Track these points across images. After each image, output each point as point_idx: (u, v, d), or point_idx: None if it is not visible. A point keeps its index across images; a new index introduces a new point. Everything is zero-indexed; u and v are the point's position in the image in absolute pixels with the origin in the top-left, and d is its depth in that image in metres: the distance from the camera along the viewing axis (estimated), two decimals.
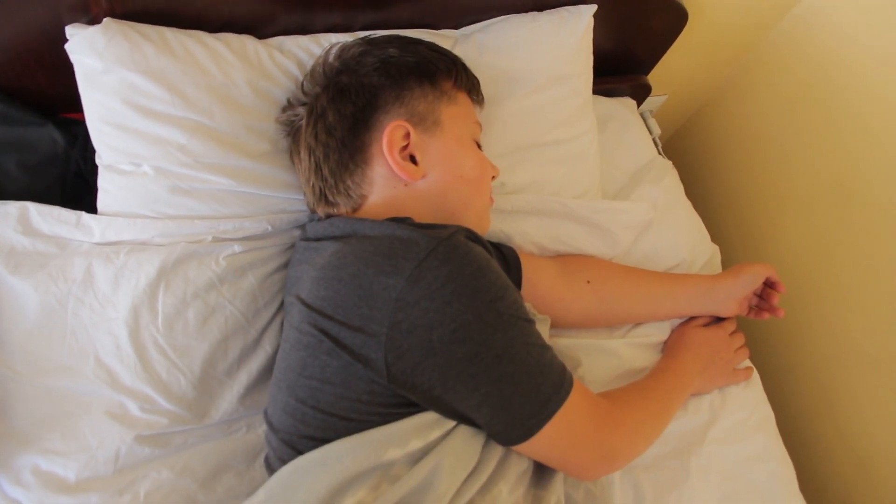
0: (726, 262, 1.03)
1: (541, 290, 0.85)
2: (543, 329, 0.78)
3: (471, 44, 0.90)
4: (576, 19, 0.92)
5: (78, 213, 0.77)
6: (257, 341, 0.79)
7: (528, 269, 0.84)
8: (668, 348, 0.91)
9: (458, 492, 0.60)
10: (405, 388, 0.58)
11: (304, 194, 0.78)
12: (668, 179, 1.05)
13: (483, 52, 0.89)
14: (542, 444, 0.62)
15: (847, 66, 1.04)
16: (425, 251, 0.57)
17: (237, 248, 0.77)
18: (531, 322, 0.63)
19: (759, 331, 1.20)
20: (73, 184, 0.85)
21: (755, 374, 0.93)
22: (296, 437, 0.62)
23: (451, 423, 0.62)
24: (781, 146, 1.20)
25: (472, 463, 0.62)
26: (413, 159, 0.71)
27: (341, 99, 0.71)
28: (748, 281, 0.93)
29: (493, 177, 0.79)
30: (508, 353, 0.59)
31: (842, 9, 1.04)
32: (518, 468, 0.66)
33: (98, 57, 0.73)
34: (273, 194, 0.81)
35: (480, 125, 0.80)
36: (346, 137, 0.71)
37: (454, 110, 0.75)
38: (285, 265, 0.81)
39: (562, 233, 0.92)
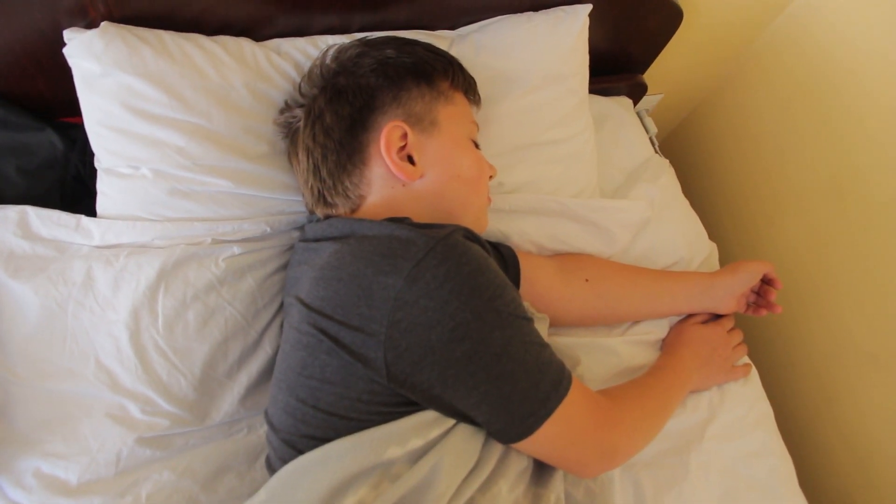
0: (724, 260, 1.03)
1: (539, 289, 0.85)
2: (542, 328, 0.78)
3: (467, 44, 0.90)
4: (571, 19, 0.92)
5: (77, 216, 0.77)
6: (257, 342, 0.79)
7: (526, 268, 0.84)
8: (667, 346, 0.92)
9: (458, 490, 0.61)
10: (405, 386, 0.58)
11: (303, 195, 0.78)
12: (665, 178, 1.05)
13: (479, 53, 0.90)
14: (542, 441, 0.62)
15: (842, 64, 1.05)
16: (423, 250, 0.57)
17: (236, 249, 0.78)
18: (529, 320, 0.63)
19: (758, 328, 1.20)
20: (72, 188, 0.85)
21: (754, 371, 0.94)
22: (296, 437, 0.62)
23: (451, 422, 0.62)
24: (777, 144, 1.20)
25: (472, 461, 0.62)
26: (411, 160, 0.71)
27: (339, 100, 0.72)
28: (746, 278, 0.93)
29: (491, 176, 0.80)
30: (507, 351, 0.59)
31: (836, 7, 1.04)
32: (518, 466, 0.66)
33: (96, 60, 0.73)
34: (272, 196, 0.81)
35: (477, 125, 0.80)
36: (344, 138, 0.71)
37: (451, 110, 0.75)
38: (284, 266, 0.81)
39: (560, 232, 0.92)
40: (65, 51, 0.75)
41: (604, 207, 0.94)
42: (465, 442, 0.62)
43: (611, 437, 0.67)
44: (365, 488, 0.58)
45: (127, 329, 0.72)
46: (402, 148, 0.71)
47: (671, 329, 0.94)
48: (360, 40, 0.78)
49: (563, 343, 0.87)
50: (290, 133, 0.78)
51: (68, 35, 0.75)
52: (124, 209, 0.78)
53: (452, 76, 0.77)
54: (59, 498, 0.69)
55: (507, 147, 0.91)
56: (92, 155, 0.80)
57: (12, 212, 0.77)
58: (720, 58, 1.26)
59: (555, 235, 0.92)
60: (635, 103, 1.20)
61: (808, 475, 0.96)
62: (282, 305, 0.80)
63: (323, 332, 0.60)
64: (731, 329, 0.95)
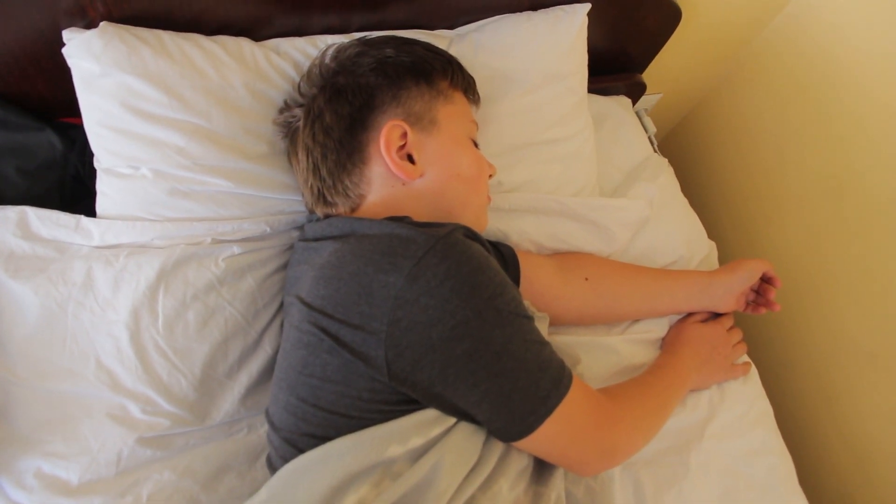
0: (723, 259, 1.03)
1: (539, 288, 0.85)
2: (542, 327, 0.78)
3: (466, 44, 0.90)
4: (570, 18, 0.92)
5: (77, 216, 0.77)
6: (257, 342, 0.79)
7: (526, 268, 0.84)
8: (667, 344, 0.92)
9: (459, 488, 0.61)
10: (405, 385, 0.59)
11: (303, 195, 0.78)
12: (665, 177, 1.05)
13: (479, 52, 0.90)
14: (543, 440, 0.62)
15: (840, 63, 1.05)
16: (424, 249, 0.58)
17: (236, 249, 0.78)
18: (530, 319, 0.63)
19: (757, 327, 1.21)
20: (72, 188, 0.85)
21: (753, 370, 0.94)
22: (297, 436, 0.63)
23: (452, 421, 0.62)
24: (776, 143, 1.20)
25: (473, 460, 0.62)
26: (410, 159, 0.71)
27: (338, 99, 0.72)
28: (745, 276, 0.93)
29: (491, 175, 0.80)
30: (507, 349, 0.59)
31: (835, 7, 1.05)
32: (518, 465, 0.66)
33: (95, 61, 0.73)
34: (271, 196, 0.81)
35: (477, 124, 0.80)
36: (344, 138, 0.71)
37: (450, 109, 0.75)
38: (284, 266, 0.81)
39: (559, 231, 0.92)
40: (64, 51, 0.75)
41: (603, 206, 0.94)
42: (465, 440, 0.62)
43: (611, 435, 0.67)
44: (366, 487, 0.58)
45: (127, 329, 0.72)
46: (402, 147, 0.71)
47: (671, 328, 0.94)
48: (359, 40, 0.78)
49: (563, 342, 0.87)
50: (289, 133, 0.78)
51: (67, 35, 0.75)
52: (124, 209, 0.78)
53: (452, 75, 0.77)
54: (60, 498, 0.69)
55: (506, 146, 0.91)
56: (91, 155, 0.80)
57: (12, 212, 0.77)
58: (719, 57, 1.26)
59: (554, 234, 0.92)
60: (634, 103, 1.20)
61: (808, 474, 0.96)
62: (282, 305, 0.80)
63: (324, 330, 0.60)
64: (731, 328, 0.95)
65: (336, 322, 0.59)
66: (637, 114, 1.21)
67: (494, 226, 0.89)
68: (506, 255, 0.84)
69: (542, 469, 0.70)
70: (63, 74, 0.77)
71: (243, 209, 0.80)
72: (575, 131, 0.96)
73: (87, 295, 0.74)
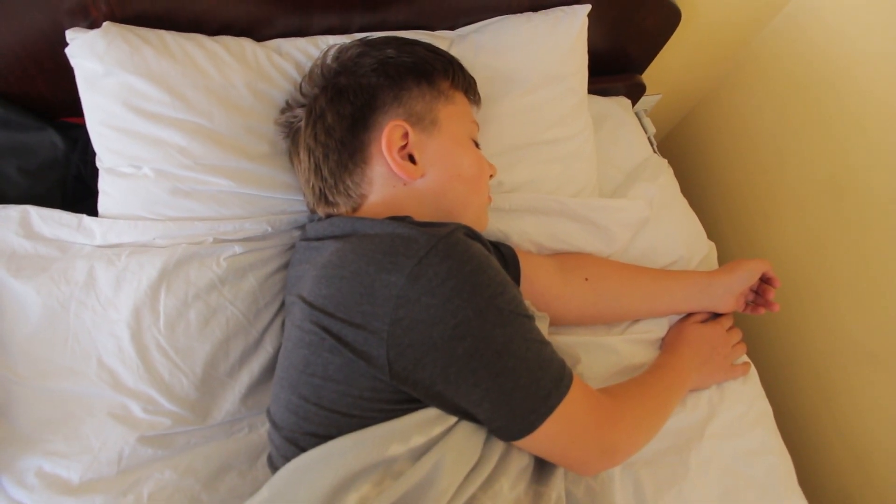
0: (722, 259, 1.03)
1: (539, 288, 0.85)
2: (542, 326, 0.78)
3: (467, 44, 0.91)
4: (570, 19, 0.93)
5: (79, 216, 0.78)
6: (258, 342, 0.79)
7: (526, 268, 0.85)
8: (667, 345, 0.92)
9: (460, 487, 0.61)
10: (407, 384, 0.59)
11: (304, 195, 0.78)
12: (664, 177, 1.05)
13: (479, 53, 0.90)
14: (543, 439, 0.62)
15: (839, 64, 1.05)
16: (425, 248, 0.58)
17: (238, 249, 0.78)
18: (531, 318, 0.63)
19: (756, 327, 1.21)
20: (74, 187, 0.85)
21: (753, 370, 0.94)
22: (299, 435, 0.63)
23: (453, 419, 0.62)
24: (775, 143, 1.21)
25: (474, 459, 0.63)
26: (412, 159, 0.72)
27: (340, 100, 0.72)
28: (745, 276, 0.93)
29: (491, 175, 0.80)
30: (508, 348, 0.59)
31: (833, 7, 1.05)
32: (519, 464, 0.67)
33: (98, 60, 0.73)
34: (273, 195, 0.81)
35: (478, 125, 0.81)
36: (345, 137, 0.71)
37: (451, 110, 0.76)
38: (285, 266, 0.81)
39: (559, 231, 0.92)
40: (67, 51, 0.75)
41: (603, 207, 0.94)
42: (466, 439, 0.62)
43: (611, 435, 0.67)
44: (367, 485, 0.58)
45: (129, 328, 0.73)
46: (403, 147, 0.71)
47: (671, 328, 0.94)
48: (360, 40, 0.78)
49: (563, 341, 0.87)
50: (291, 133, 0.78)
51: (70, 35, 0.75)
52: (126, 209, 0.78)
53: (453, 76, 0.77)
54: (61, 497, 0.69)
55: (506, 146, 0.92)
56: (93, 154, 0.80)
57: (14, 211, 0.77)
58: (718, 58, 1.26)
59: (554, 234, 0.92)
60: (634, 103, 1.21)
61: (807, 473, 0.96)
62: (283, 305, 0.80)
63: (325, 329, 0.60)
64: (730, 328, 0.96)
65: (338, 321, 0.59)
66: (637, 114, 1.21)
67: (495, 226, 0.89)
68: (506, 256, 0.84)
69: (542, 469, 0.70)
70: (64, 74, 0.77)
71: (245, 209, 0.80)
72: (575, 132, 0.97)
73: (89, 294, 0.74)
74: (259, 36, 0.84)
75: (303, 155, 0.74)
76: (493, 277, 0.60)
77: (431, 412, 0.61)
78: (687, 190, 1.09)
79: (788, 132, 1.17)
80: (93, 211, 0.80)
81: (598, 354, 0.88)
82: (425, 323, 0.57)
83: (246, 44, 0.81)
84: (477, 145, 0.79)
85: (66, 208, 0.78)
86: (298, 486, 0.59)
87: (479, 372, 0.59)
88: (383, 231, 0.63)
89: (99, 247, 0.77)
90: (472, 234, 0.66)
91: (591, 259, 0.93)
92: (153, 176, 0.77)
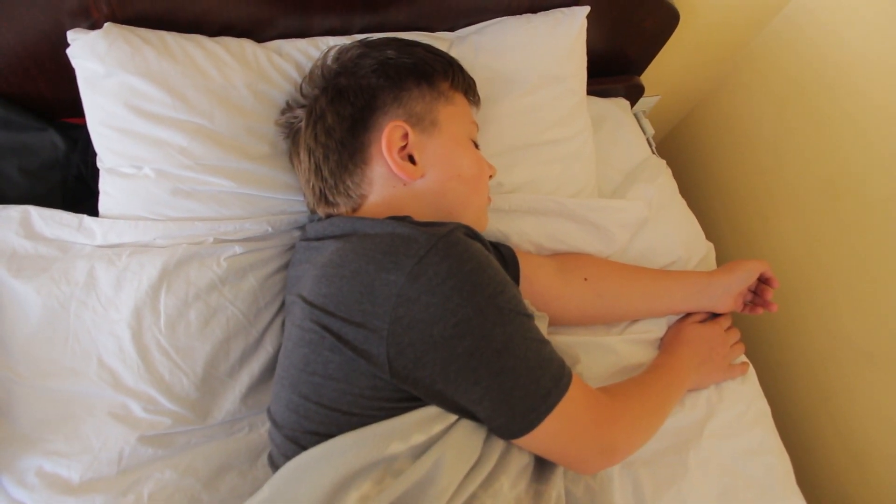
0: (720, 260, 1.04)
1: (539, 288, 0.86)
2: (542, 326, 0.78)
3: (467, 46, 0.91)
4: (570, 21, 0.93)
5: (80, 216, 0.78)
6: (259, 341, 0.79)
7: (525, 268, 0.85)
8: (665, 344, 0.92)
9: (461, 486, 0.61)
10: (407, 382, 0.59)
11: (304, 195, 0.78)
12: (663, 178, 1.06)
13: (479, 54, 0.90)
14: (543, 437, 0.62)
15: (837, 65, 1.06)
16: (425, 248, 0.58)
17: (238, 249, 0.78)
18: (530, 317, 0.64)
19: (754, 327, 1.21)
20: (74, 188, 0.85)
21: (751, 370, 0.94)
22: (299, 433, 0.63)
23: (453, 418, 0.62)
24: (773, 144, 1.21)
25: (474, 457, 0.63)
26: (412, 159, 0.72)
27: (340, 100, 0.72)
28: (743, 276, 0.94)
29: (491, 176, 0.80)
30: (508, 347, 0.59)
31: (831, 9, 1.05)
32: (519, 463, 0.67)
33: (100, 61, 0.74)
34: (273, 196, 0.81)
35: (477, 125, 0.81)
36: (345, 138, 0.72)
37: (451, 110, 0.76)
38: (286, 266, 0.81)
39: (559, 231, 0.93)
40: (68, 51, 0.75)
41: (602, 207, 0.95)
42: (466, 438, 0.63)
43: (610, 433, 0.67)
44: (368, 483, 0.58)
45: (129, 328, 0.73)
46: (403, 147, 0.72)
47: (669, 328, 0.95)
48: (360, 41, 0.78)
49: (562, 341, 0.87)
50: (291, 133, 0.78)
51: (72, 36, 0.75)
52: (127, 209, 0.78)
53: (452, 77, 0.77)
54: (62, 496, 0.69)
55: (506, 147, 0.92)
56: (94, 155, 0.81)
57: (15, 211, 0.77)
58: (717, 59, 1.27)
59: (554, 235, 0.93)
60: (632, 105, 1.21)
61: (805, 473, 0.96)
62: (283, 304, 0.80)
63: (326, 328, 0.60)
64: (729, 328, 0.96)
65: (338, 320, 0.60)
66: (635, 116, 1.22)
67: (494, 226, 0.89)
68: (506, 256, 0.85)
69: (542, 468, 0.71)
70: (65, 75, 0.77)
71: (245, 209, 0.80)
72: (574, 132, 0.97)
73: (90, 294, 0.74)
74: (260, 37, 0.84)
75: (303, 155, 0.75)
76: (493, 276, 0.60)
77: (432, 410, 0.61)
78: (685, 191, 1.09)
79: (786, 133, 1.18)
80: (93, 211, 0.80)
81: (597, 354, 0.88)
82: (425, 321, 0.57)
83: (246, 45, 0.82)
84: (476, 146, 0.79)
85: (66, 208, 0.79)
86: (299, 485, 0.59)
87: (479, 370, 0.59)
88: (383, 230, 0.63)
89: (99, 247, 0.77)
90: (472, 234, 0.66)
91: (590, 259, 0.94)
92: (154, 176, 0.77)
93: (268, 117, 0.81)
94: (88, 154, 0.83)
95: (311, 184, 0.74)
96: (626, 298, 0.92)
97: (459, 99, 0.78)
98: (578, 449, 0.66)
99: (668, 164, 1.10)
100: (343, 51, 0.77)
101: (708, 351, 0.90)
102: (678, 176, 1.10)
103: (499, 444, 0.65)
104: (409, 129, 0.71)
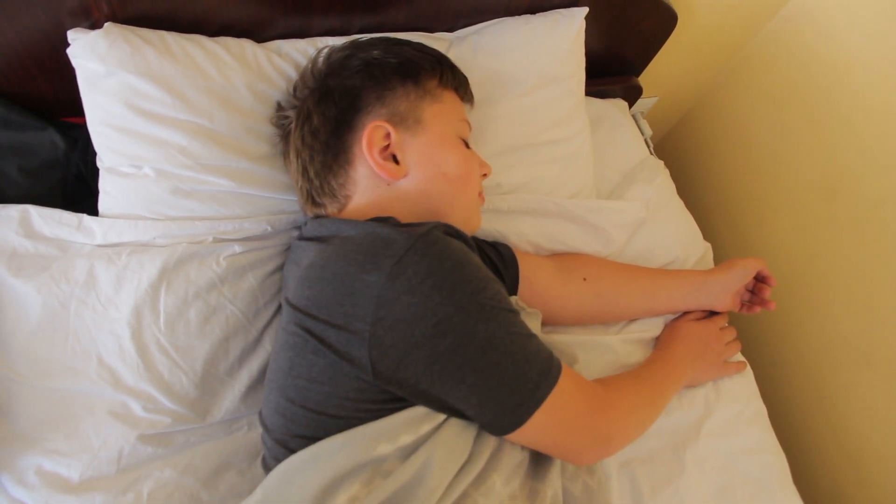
0: (717, 260, 1.04)
1: (538, 288, 0.86)
2: (535, 323, 0.78)
3: (465, 46, 0.91)
4: (568, 21, 0.93)
5: (79, 215, 0.78)
6: (258, 340, 0.79)
7: (524, 267, 0.85)
8: (661, 341, 0.92)
9: (451, 485, 0.60)
10: (391, 383, 0.59)
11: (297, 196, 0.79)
12: (661, 179, 1.06)
13: (477, 54, 0.91)
14: (535, 431, 0.62)
15: (833, 67, 1.06)
16: (404, 247, 0.58)
17: (237, 248, 0.78)
18: (514, 312, 0.63)
19: (751, 327, 1.22)
20: (74, 187, 0.85)
21: (748, 369, 0.95)
22: (288, 437, 0.63)
23: (441, 417, 0.62)
24: (770, 145, 1.22)
25: (464, 456, 0.62)
26: (396, 159, 0.72)
27: (326, 101, 0.72)
28: (741, 274, 0.94)
29: (485, 175, 0.80)
30: (492, 343, 0.59)
31: (828, 10, 1.06)
32: (512, 460, 0.66)
33: (100, 61, 0.74)
34: (272, 195, 0.82)
35: (469, 124, 0.80)
36: (330, 139, 0.72)
37: (438, 109, 0.75)
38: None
39: (557, 232, 0.93)
40: (69, 51, 0.75)
41: (600, 208, 0.95)
42: (455, 436, 0.62)
43: (605, 422, 0.67)
44: (357, 485, 0.58)
45: (129, 327, 0.73)
46: (386, 147, 0.71)
47: (665, 326, 0.95)
48: (350, 41, 0.78)
49: (561, 341, 0.87)
50: (284, 134, 0.78)
51: (72, 35, 0.75)
52: (126, 208, 0.78)
53: (441, 74, 0.77)
54: (61, 495, 0.69)
55: (504, 147, 0.92)
56: (93, 154, 0.81)
57: (14, 211, 0.77)
58: (714, 61, 1.27)
59: (552, 236, 0.93)
60: (630, 106, 1.21)
61: (802, 471, 0.97)
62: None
63: (309, 331, 0.60)
64: (724, 327, 0.96)
65: (320, 323, 0.60)
66: (633, 117, 1.22)
67: (493, 227, 0.90)
68: (504, 255, 0.85)
69: (538, 465, 0.70)
70: (65, 74, 0.77)
71: (245, 208, 0.80)
72: (573, 133, 0.97)
73: (90, 293, 0.74)
74: (259, 37, 0.84)
75: (292, 156, 0.75)
76: (474, 274, 0.60)
77: (419, 410, 0.61)
78: (683, 191, 1.10)
79: (784, 134, 1.18)
80: (93, 210, 0.80)
81: (595, 354, 0.88)
82: (406, 322, 0.57)
83: (246, 45, 0.82)
84: (467, 144, 0.78)
85: (66, 208, 0.79)
86: (289, 488, 0.59)
87: (463, 368, 0.58)
88: (364, 232, 0.63)
89: (99, 246, 0.77)
90: (453, 232, 0.66)
91: (589, 259, 0.94)
92: (154, 176, 0.77)
93: (267, 117, 0.81)
94: (88, 153, 0.83)
95: (299, 185, 0.75)
96: (626, 297, 0.92)
97: (448, 97, 0.78)
98: (573, 439, 0.66)
99: (665, 164, 1.11)
100: (333, 51, 0.77)
101: (702, 347, 0.90)
102: (676, 176, 1.11)
103: (490, 442, 0.64)
104: (391, 128, 0.71)
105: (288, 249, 0.82)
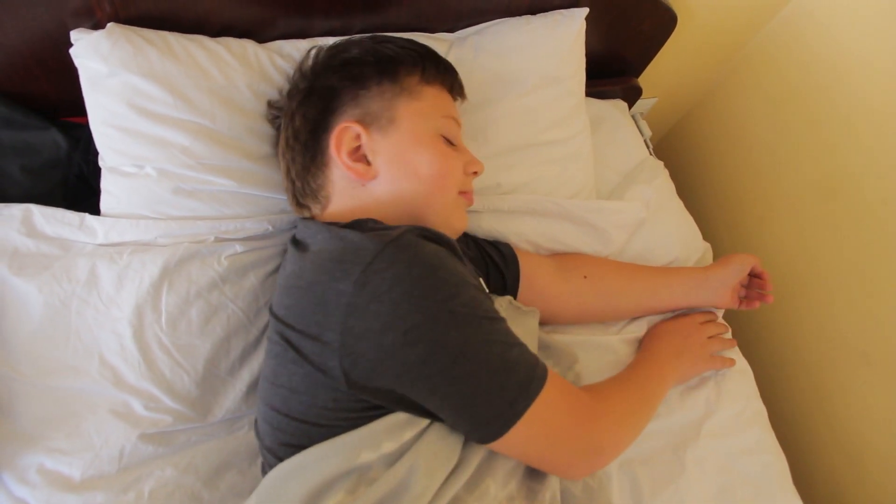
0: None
1: (539, 287, 0.86)
2: (532, 322, 0.78)
3: (466, 46, 0.92)
4: (569, 22, 0.94)
5: (81, 214, 0.78)
6: (259, 340, 0.80)
7: (525, 266, 0.85)
8: (642, 344, 0.91)
9: (441, 490, 0.60)
10: (366, 392, 0.58)
11: None
12: (661, 179, 1.06)
13: (478, 55, 0.91)
14: (516, 443, 0.60)
15: (833, 67, 1.07)
16: (372, 254, 0.57)
17: (239, 248, 0.78)
18: (495, 319, 0.61)
19: (751, 327, 1.22)
20: (76, 187, 0.86)
21: (748, 369, 0.94)
22: (276, 445, 0.63)
23: (424, 423, 0.61)
24: (769, 146, 1.22)
25: (452, 461, 0.61)
26: (368, 160, 0.71)
27: (307, 103, 0.73)
28: (737, 269, 0.93)
29: (476, 173, 0.78)
30: (465, 352, 0.57)
31: (828, 11, 1.06)
32: (507, 463, 0.65)
33: (102, 61, 0.74)
34: (273, 195, 0.82)
35: (457, 120, 0.77)
36: (308, 141, 0.72)
37: (415, 107, 0.72)
38: None
39: (557, 232, 0.93)
40: (72, 51, 0.76)
41: (600, 208, 0.95)
42: (441, 441, 0.61)
43: (594, 433, 0.65)
44: (342, 493, 0.57)
45: (130, 326, 0.73)
46: (358, 148, 0.71)
47: (647, 331, 0.93)
48: (334, 42, 0.78)
49: (560, 341, 0.87)
50: (277, 135, 0.79)
51: (75, 36, 0.75)
52: (128, 208, 0.78)
53: (423, 70, 0.74)
54: (63, 494, 0.69)
55: (504, 148, 0.92)
56: (95, 154, 0.81)
57: (17, 210, 0.78)
58: (714, 62, 1.27)
59: (552, 236, 0.93)
60: (630, 106, 1.22)
61: (801, 471, 0.97)
62: None
63: (287, 341, 0.60)
64: (707, 321, 0.95)
65: (297, 333, 0.59)
66: (633, 117, 1.22)
67: (493, 227, 0.90)
68: (505, 254, 0.85)
69: None
70: (68, 74, 0.78)
71: (246, 208, 0.81)
72: (573, 133, 0.98)
73: (91, 292, 0.74)
74: (261, 37, 0.85)
75: (279, 157, 0.75)
76: (446, 279, 0.58)
77: (400, 417, 0.59)
78: (683, 192, 1.10)
79: (783, 135, 1.19)
80: (95, 210, 0.80)
81: (595, 354, 0.88)
82: (375, 331, 0.55)
83: (248, 45, 0.82)
84: (451, 142, 0.75)
85: (68, 207, 0.79)
86: (278, 497, 0.59)
87: (434, 378, 0.57)
88: (337, 238, 0.62)
89: (101, 245, 0.77)
90: (431, 236, 0.63)
91: (589, 258, 0.94)
92: (156, 175, 0.77)
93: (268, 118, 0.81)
94: (90, 153, 0.84)
95: (285, 186, 0.75)
96: (627, 295, 0.92)
97: (430, 93, 0.74)
98: (560, 452, 0.63)
99: (665, 165, 1.11)
100: (320, 51, 0.77)
101: (682, 340, 0.89)
102: (675, 177, 1.11)
103: (481, 447, 0.63)
104: (361, 129, 0.70)
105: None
